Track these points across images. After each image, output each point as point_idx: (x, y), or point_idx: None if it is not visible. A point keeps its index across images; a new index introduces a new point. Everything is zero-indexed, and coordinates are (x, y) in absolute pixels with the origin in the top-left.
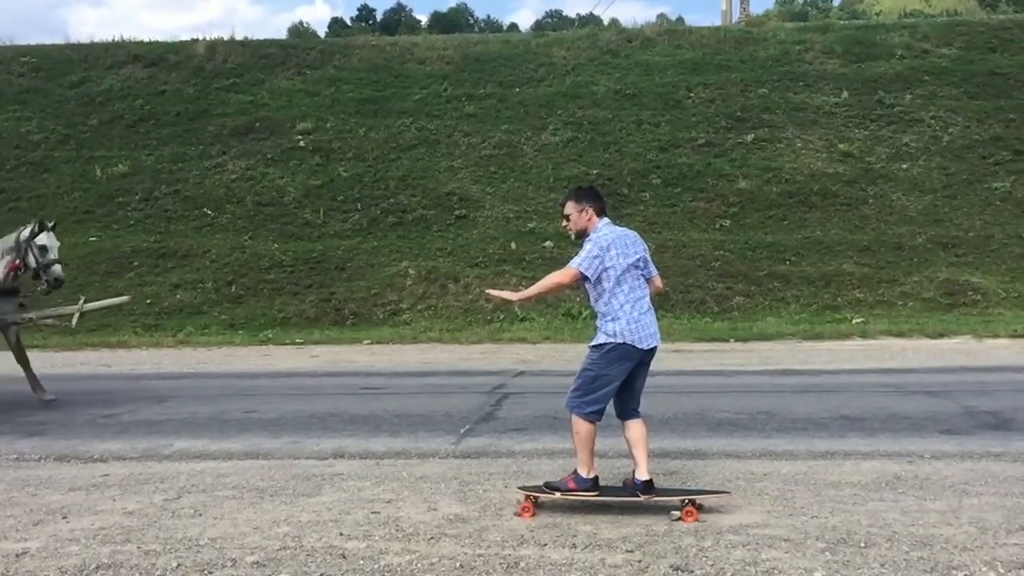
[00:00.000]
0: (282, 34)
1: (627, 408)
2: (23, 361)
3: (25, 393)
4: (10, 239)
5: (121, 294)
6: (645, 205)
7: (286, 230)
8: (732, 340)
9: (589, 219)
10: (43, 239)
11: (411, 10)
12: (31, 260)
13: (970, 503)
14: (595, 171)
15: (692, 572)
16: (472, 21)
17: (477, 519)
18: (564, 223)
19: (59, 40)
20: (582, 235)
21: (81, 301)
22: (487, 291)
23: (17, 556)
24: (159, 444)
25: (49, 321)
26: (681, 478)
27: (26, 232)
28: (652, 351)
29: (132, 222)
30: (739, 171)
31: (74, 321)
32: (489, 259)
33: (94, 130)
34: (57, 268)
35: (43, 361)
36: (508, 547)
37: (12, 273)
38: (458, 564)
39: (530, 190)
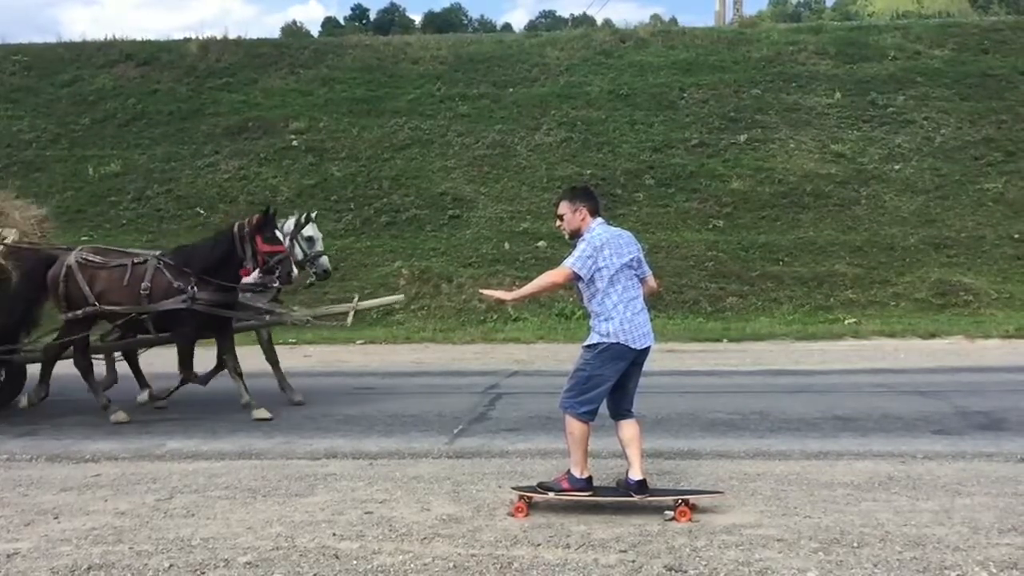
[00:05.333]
0: (275, 34)
1: (620, 408)
2: (274, 361)
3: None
4: None
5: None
6: (638, 205)
7: None
8: (725, 340)
9: (583, 219)
10: (309, 230)
11: (404, 10)
12: (298, 253)
13: (962, 503)
14: (589, 171)
15: (686, 572)
16: (466, 21)
17: (470, 519)
18: (558, 223)
19: (51, 39)
20: (576, 235)
21: (355, 299)
22: (481, 291)
23: (8, 557)
24: (151, 444)
25: (289, 321)
26: (674, 478)
27: (290, 224)
28: (646, 351)
29: (124, 222)
30: (732, 172)
31: (349, 320)
32: (482, 259)
33: (86, 129)
34: (325, 259)
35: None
36: (501, 547)
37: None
38: (451, 564)
39: (523, 190)
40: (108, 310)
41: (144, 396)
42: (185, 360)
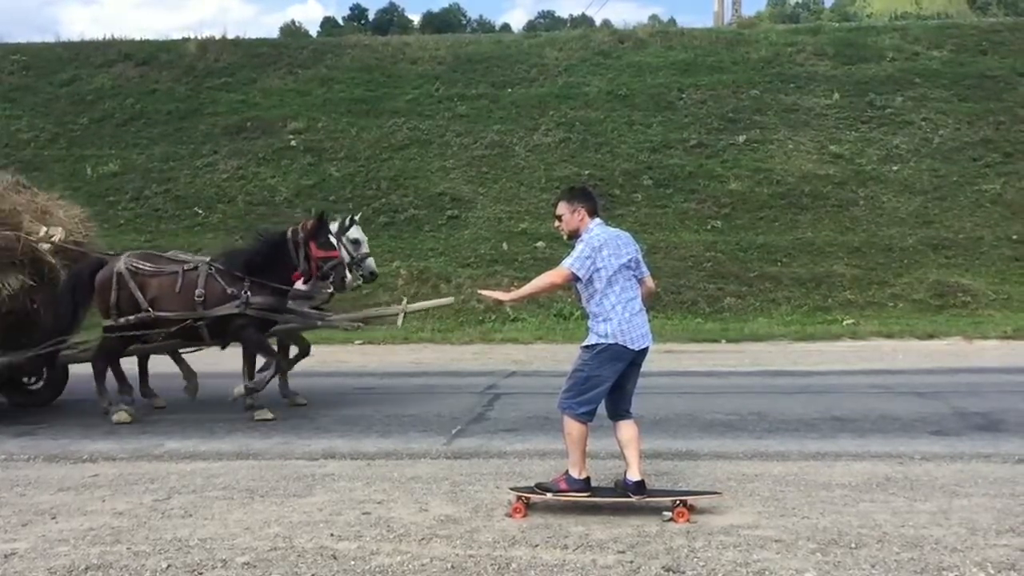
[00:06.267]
0: (274, 33)
1: (618, 409)
2: (288, 365)
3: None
4: None
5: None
6: (637, 206)
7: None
8: (723, 341)
9: (581, 219)
10: (355, 232)
11: (403, 10)
12: (344, 255)
13: (960, 504)
14: (587, 172)
15: (683, 573)
16: (464, 21)
17: (468, 520)
18: (556, 223)
19: (50, 38)
20: (574, 236)
21: (404, 302)
22: (479, 291)
23: (6, 557)
24: (149, 444)
25: (339, 324)
26: (672, 479)
27: (334, 227)
28: (644, 352)
29: (122, 221)
30: (730, 172)
31: (400, 322)
32: (481, 259)
33: (84, 129)
34: (371, 261)
35: None
36: (499, 548)
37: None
38: (449, 565)
39: (522, 190)
40: (163, 317)
41: (240, 388)
42: (265, 348)
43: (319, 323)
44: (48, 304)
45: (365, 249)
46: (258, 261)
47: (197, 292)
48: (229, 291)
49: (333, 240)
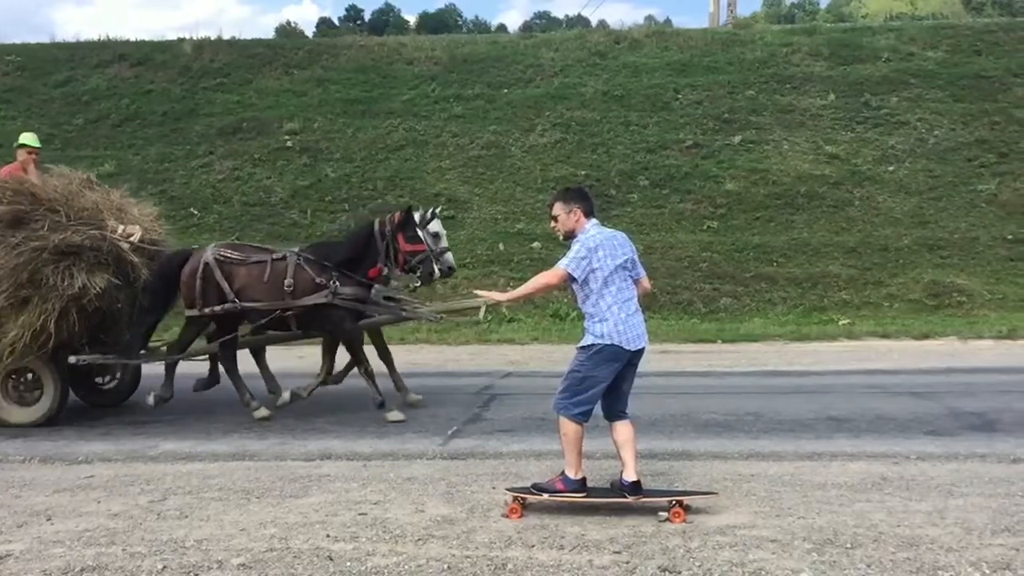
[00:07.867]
0: (269, 34)
1: (614, 409)
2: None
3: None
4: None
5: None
6: (633, 206)
7: (273, 231)
8: (719, 341)
9: (577, 220)
10: (435, 226)
11: (399, 10)
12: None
13: (956, 504)
14: (583, 172)
15: (679, 573)
16: (460, 22)
17: (465, 520)
18: (552, 224)
19: (45, 39)
20: (570, 236)
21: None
22: (475, 292)
23: (1, 558)
24: (145, 445)
25: (422, 316)
26: (668, 479)
27: (415, 218)
28: (640, 352)
29: None
30: (726, 172)
31: (481, 314)
32: (477, 260)
33: (80, 129)
34: (450, 256)
35: None
36: (496, 548)
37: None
38: (446, 566)
39: (518, 191)
40: (250, 307)
41: (396, 413)
42: (357, 352)
43: (403, 315)
44: (130, 303)
45: (445, 243)
46: (346, 252)
47: (287, 282)
48: (318, 281)
49: (421, 233)
